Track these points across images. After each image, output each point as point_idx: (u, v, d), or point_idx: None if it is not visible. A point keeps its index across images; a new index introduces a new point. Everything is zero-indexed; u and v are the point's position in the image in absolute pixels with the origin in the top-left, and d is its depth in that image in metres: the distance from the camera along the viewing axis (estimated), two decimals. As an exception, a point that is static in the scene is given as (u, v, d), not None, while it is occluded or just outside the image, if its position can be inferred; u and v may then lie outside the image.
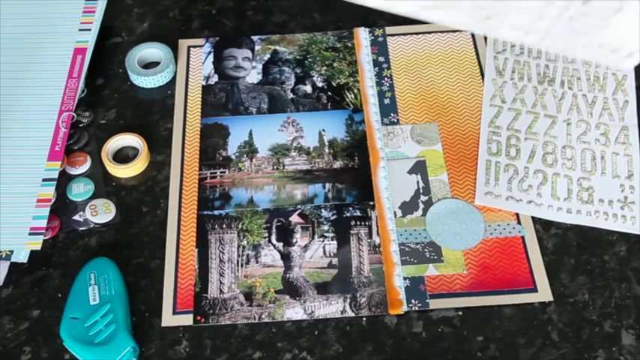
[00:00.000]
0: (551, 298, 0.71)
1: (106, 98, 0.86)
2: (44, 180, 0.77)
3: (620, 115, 0.83)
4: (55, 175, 0.77)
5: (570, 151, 0.80)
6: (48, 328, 0.70)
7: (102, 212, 0.76)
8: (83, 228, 0.76)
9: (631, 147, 0.80)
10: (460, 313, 0.71)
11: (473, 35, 0.90)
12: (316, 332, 0.70)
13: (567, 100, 0.83)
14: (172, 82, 0.87)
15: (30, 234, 0.73)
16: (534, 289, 0.72)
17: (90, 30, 0.89)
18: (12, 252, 0.73)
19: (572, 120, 0.82)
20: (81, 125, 0.83)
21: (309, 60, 0.89)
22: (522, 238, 0.75)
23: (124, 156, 0.81)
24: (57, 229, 0.75)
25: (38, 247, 0.73)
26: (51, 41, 0.88)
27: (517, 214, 0.76)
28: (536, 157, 0.79)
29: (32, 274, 0.73)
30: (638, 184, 0.77)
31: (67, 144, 0.80)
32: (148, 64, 0.88)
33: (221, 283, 0.72)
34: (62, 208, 0.77)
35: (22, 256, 0.73)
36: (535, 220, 0.76)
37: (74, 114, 0.82)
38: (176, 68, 0.88)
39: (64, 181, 0.78)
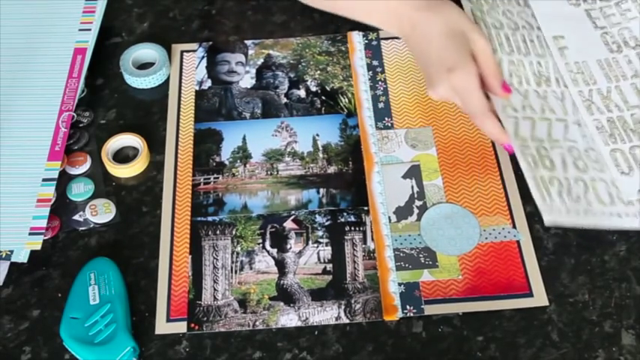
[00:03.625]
0: (547, 303, 0.71)
1: (106, 98, 0.86)
2: (44, 180, 0.77)
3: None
4: (55, 175, 0.77)
5: (593, 154, 0.77)
6: (48, 328, 0.70)
7: (102, 212, 0.76)
8: (83, 228, 0.76)
9: None
10: (460, 313, 0.71)
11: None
12: (316, 332, 0.70)
13: (567, 99, 0.82)
14: (169, 82, 0.87)
15: (30, 234, 0.73)
16: (530, 294, 0.71)
17: (90, 30, 0.89)
18: (12, 252, 0.73)
19: (581, 121, 0.80)
20: (81, 125, 0.83)
21: (303, 64, 0.88)
22: (518, 242, 0.75)
23: (124, 156, 0.81)
24: (57, 229, 0.76)
25: (38, 247, 0.73)
26: (51, 41, 0.88)
27: (512, 219, 0.76)
28: (569, 165, 0.76)
29: (32, 274, 0.73)
30: None
31: (67, 144, 0.80)
32: (144, 65, 0.88)
33: (215, 290, 0.72)
34: (62, 208, 0.77)
35: (22, 256, 0.73)
36: (535, 220, 0.76)
37: (74, 114, 0.82)
38: (171, 70, 0.88)
39: (64, 181, 0.78)
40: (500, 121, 0.74)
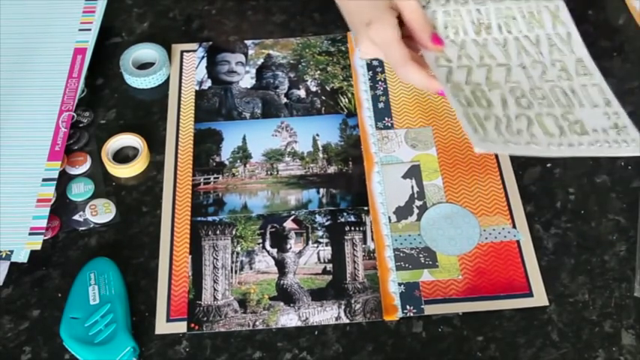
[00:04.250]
0: (547, 303, 0.71)
1: (106, 98, 0.86)
2: (44, 180, 0.77)
3: (568, 48, 0.79)
4: (55, 175, 0.77)
5: (540, 92, 0.74)
6: (48, 328, 0.70)
7: (102, 212, 0.76)
8: (83, 228, 0.76)
9: (593, 76, 0.76)
10: (460, 313, 0.71)
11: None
12: (316, 332, 0.70)
13: (511, 44, 0.78)
14: (169, 82, 0.87)
15: (30, 234, 0.73)
16: (530, 294, 0.71)
17: (90, 30, 0.89)
18: (12, 252, 0.73)
19: (525, 63, 0.77)
20: (81, 125, 0.83)
21: (303, 64, 0.88)
22: (517, 242, 0.75)
23: (124, 156, 0.81)
24: (57, 229, 0.76)
25: (38, 247, 0.73)
26: (51, 41, 0.88)
27: (512, 219, 0.76)
28: (510, 104, 0.73)
29: (32, 274, 0.73)
30: (619, 109, 0.73)
31: (67, 144, 0.80)
32: (144, 65, 0.88)
33: (215, 290, 0.72)
34: (62, 208, 0.77)
35: (22, 256, 0.73)
36: (535, 221, 0.76)
37: (74, 114, 0.82)
38: (171, 70, 0.88)
39: (64, 181, 0.79)
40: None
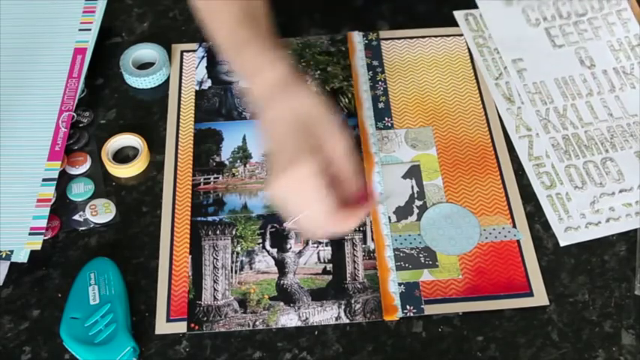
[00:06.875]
0: (547, 302, 0.71)
1: (106, 98, 0.86)
2: (44, 180, 0.77)
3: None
4: (55, 175, 0.77)
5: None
6: (48, 328, 0.70)
7: (102, 212, 0.76)
8: (83, 228, 0.76)
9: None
10: (460, 313, 0.71)
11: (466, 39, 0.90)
12: (316, 332, 0.70)
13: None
14: (169, 82, 0.87)
15: (30, 234, 0.73)
16: (530, 294, 0.72)
17: (90, 30, 0.89)
18: (12, 252, 0.73)
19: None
20: (81, 125, 0.83)
21: (303, 64, 0.88)
22: (518, 241, 0.75)
23: (124, 156, 0.81)
24: (57, 229, 0.75)
25: (38, 247, 0.73)
26: (51, 41, 0.88)
27: (512, 218, 0.76)
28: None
29: (32, 274, 0.73)
30: None
31: (67, 144, 0.80)
32: (144, 65, 0.88)
33: (215, 290, 0.72)
34: (62, 208, 0.77)
35: (22, 256, 0.73)
36: (535, 221, 0.76)
37: (74, 114, 0.82)
38: (171, 70, 0.88)
39: (64, 181, 0.78)
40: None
